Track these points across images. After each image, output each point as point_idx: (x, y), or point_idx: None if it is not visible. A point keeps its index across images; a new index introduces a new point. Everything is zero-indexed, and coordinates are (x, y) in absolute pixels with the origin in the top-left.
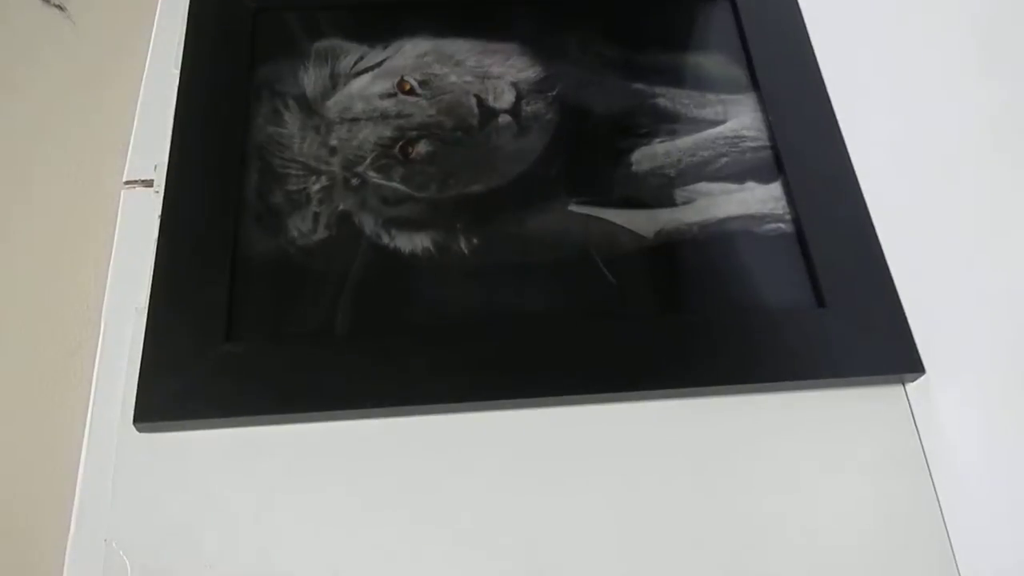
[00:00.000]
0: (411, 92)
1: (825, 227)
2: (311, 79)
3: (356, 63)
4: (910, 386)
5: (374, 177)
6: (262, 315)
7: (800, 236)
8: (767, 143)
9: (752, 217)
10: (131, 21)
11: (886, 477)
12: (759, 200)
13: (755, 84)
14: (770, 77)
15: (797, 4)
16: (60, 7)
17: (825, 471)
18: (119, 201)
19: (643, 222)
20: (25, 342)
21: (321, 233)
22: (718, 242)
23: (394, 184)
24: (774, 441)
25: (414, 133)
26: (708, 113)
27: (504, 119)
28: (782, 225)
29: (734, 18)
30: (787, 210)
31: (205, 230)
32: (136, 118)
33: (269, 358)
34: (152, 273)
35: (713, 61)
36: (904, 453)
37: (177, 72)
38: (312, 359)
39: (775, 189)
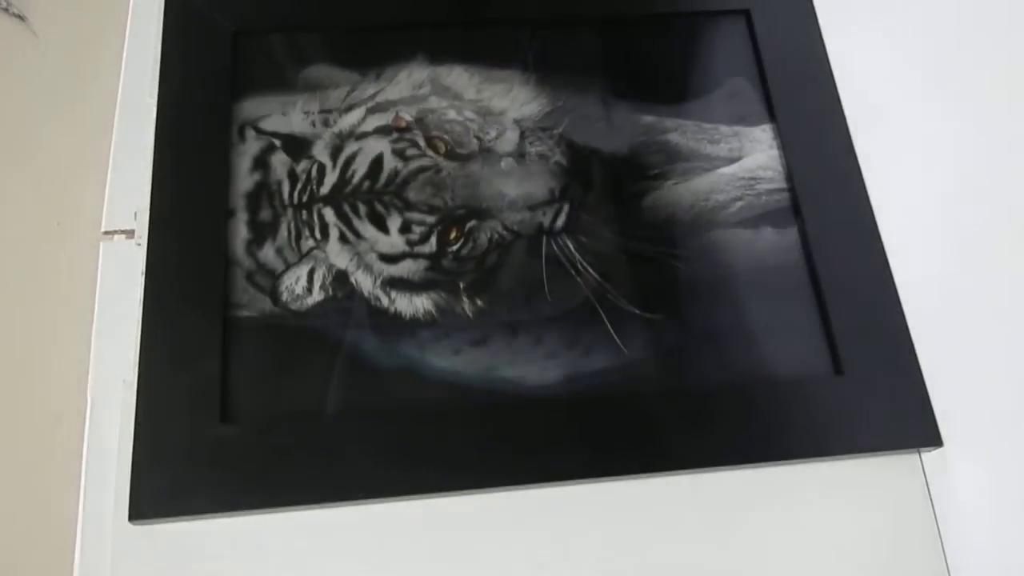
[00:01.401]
0: (407, 129)
1: (844, 284)
2: (299, 116)
3: (348, 95)
4: (926, 455)
5: (370, 229)
6: (257, 392)
7: (818, 293)
8: (784, 184)
9: (767, 270)
10: (99, 35)
11: (899, 548)
12: (775, 250)
13: (771, 114)
14: (788, 105)
15: (816, 20)
16: (20, 16)
17: (838, 541)
18: (98, 254)
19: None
20: (4, 411)
21: (316, 295)
22: (731, 303)
23: (392, 238)
24: (786, 512)
25: (411, 176)
26: (722, 149)
27: (507, 163)
28: (798, 279)
29: (750, 37)
30: (803, 261)
31: (193, 292)
32: (111, 156)
33: (265, 443)
34: (139, 342)
35: (728, 87)
36: (918, 524)
37: (152, 102)
38: (308, 444)
39: (791, 236)
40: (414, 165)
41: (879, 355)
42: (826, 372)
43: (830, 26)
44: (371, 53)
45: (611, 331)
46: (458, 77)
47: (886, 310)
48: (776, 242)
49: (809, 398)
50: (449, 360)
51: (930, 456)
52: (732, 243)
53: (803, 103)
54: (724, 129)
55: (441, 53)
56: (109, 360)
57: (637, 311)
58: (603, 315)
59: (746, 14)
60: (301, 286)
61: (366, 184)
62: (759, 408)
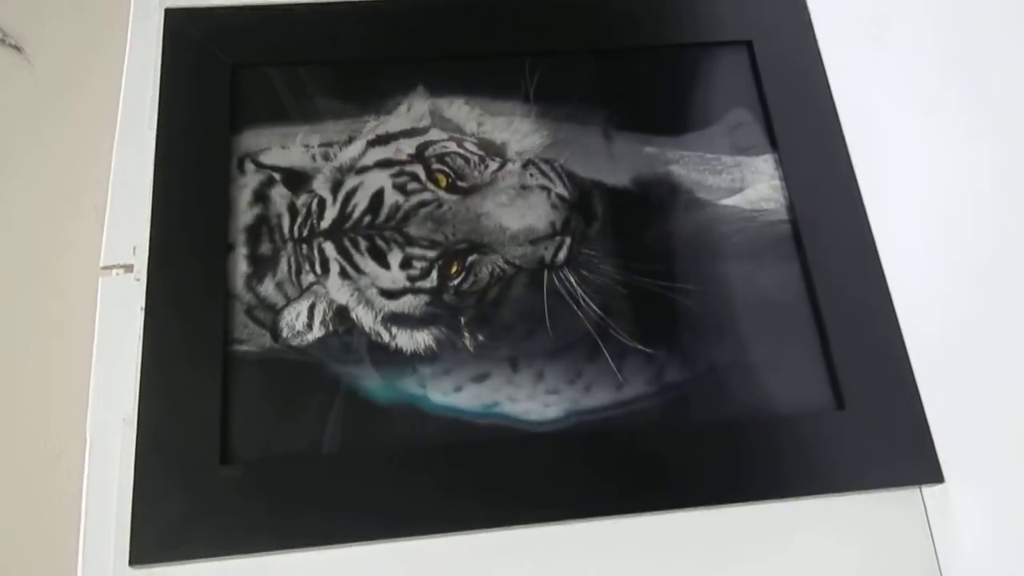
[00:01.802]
0: (408, 163)
1: (846, 317)
2: (299, 149)
3: (348, 128)
4: (927, 490)
5: (371, 264)
6: (257, 431)
7: (820, 326)
8: (785, 216)
9: (769, 303)
10: (96, 67)
11: None
12: (777, 283)
13: (773, 144)
14: (789, 135)
15: (818, 50)
16: (16, 47)
17: None
18: (97, 288)
19: None
20: (3, 450)
21: (317, 331)
22: (733, 336)
23: (393, 273)
24: (786, 548)
25: (412, 210)
26: (724, 180)
27: (508, 196)
28: (801, 312)
29: (751, 68)
30: (806, 294)
31: (193, 329)
32: (109, 190)
33: (266, 485)
34: (139, 380)
35: (730, 118)
36: (919, 561)
37: (151, 134)
38: (310, 485)
39: (793, 268)
40: (415, 200)
41: (881, 390)
42: (828, 407)
43: (832, 56)
44: (371, 86)
45: (612, 366)
46: (458, 109)
47: (888, 344)
48: (778, 275)
49: (810, 433)
50: (450, 397)
51: (931, 492)
52: (734, 276)
53: (805, 133)
54: (726, 159)
55: (441, 85)
56: (108, 397)
57: (639, 345)
58: (604, 349)
59: (748, 45)
60: (301, 322)
61: (367, 219)
62: (760, 444)
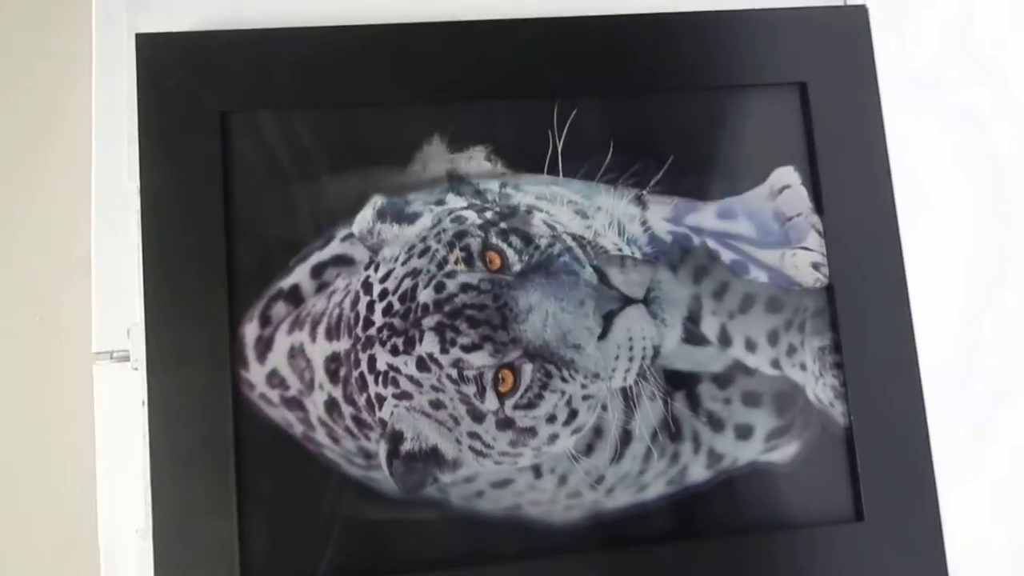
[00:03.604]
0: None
1: (877, 427)
2: (304, 218)
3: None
4: None
5: (387, 357)
6: (282, 550)
7: (849, 436)
8: (824, 303)
9: (807, 409)
10: (63, 107)
11: None
12: (810, 376)
13: (819, 207)
14: (836, 201)
15: (878, 99)
16: None
17: None
18: (91, 379)
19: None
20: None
21: (340, 430)
22: (760, 434)
23: (410, 372)
24: None
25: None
26: (759, 262)
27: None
28: (833, 420)
29: (802, 112)
30: (838, 391)
31: (202, 452)
32: (92, 259)
33: None
34: (150, 496)
35: (775, 178)
36: None
37: (132, 187)
38: None
39: (827, 361)
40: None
41: (902, 502)
42: (847, 517)
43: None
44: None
45: (635, 469)
46: (479, 164)
47: (915, 456)
48: (812, 372)
49: (827, 547)
50: (471, 502)
51: None
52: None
53: (854, 201)
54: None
55: (459, 137)
56: (117, 506)
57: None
58: (627, 450)
59: (801, 87)
60: (320, 433)
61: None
62: (775, 555)
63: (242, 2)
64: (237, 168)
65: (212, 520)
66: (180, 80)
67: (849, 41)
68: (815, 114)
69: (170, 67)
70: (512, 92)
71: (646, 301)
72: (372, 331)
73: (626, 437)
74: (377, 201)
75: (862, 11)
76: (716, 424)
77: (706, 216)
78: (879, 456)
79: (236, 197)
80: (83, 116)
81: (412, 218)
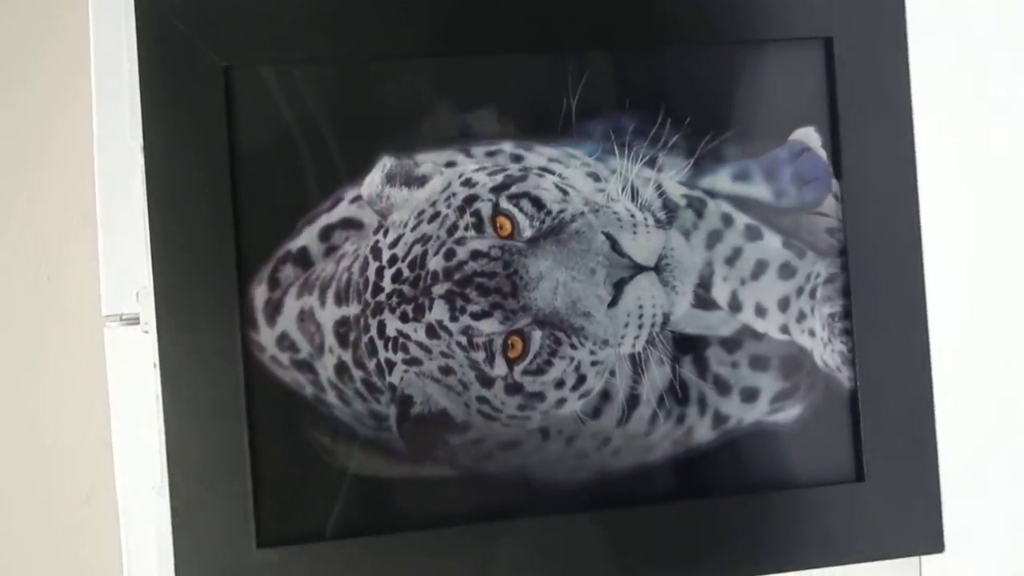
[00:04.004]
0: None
1: (882, 392)
2: (311, 181)
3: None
4: (926, 559)
5: (396, 324)
6: (293, 507)
7: (854, 400)
8: (838, 268)
9: (813, 373)
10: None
11: None
12: (819, 343)
13: (838, 172)
14: (856, 164)
15: (907, 60)
16: None
17: None
18: (103, 342)
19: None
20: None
21: (351, 393)
22: (766, 395)
23: (420, 338)
24: None
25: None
26: (775, 225)
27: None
28: (839, 384)
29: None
30: (846, 357)
31: (212, 410)
32: (98, 222)
33: (308, 568)
34: (166, 457)
35: (794, 141)
36: None
37: (134, 145)
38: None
39: (835, 328)
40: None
41: (902, 464)
42: (848, 477)
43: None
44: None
45: (641, 431)
46: (490, 125)
47: (919, 415)
48: (820, 339)
49: (827, 508)
50: (479, 463)
51: (929, 559)
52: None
53: (875, 165)
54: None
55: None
56: (135, 464)
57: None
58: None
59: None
60: (334, 387)
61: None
62: (776, 515)
63: None
64: (242, 126)
65: (226, 479)
66: (181, 34)
67: None
68: (839, 72)
69: (170, 20)
70: (524, 45)
71: (657, 269)
72: (381, 297)
73: (633, 401)
74: (386, 163)
75: None
76: (723, 387)
77: (721, 178)
78: (882, 420)
79: (241, 157)
80: (84, 72)
81: (422, 181)
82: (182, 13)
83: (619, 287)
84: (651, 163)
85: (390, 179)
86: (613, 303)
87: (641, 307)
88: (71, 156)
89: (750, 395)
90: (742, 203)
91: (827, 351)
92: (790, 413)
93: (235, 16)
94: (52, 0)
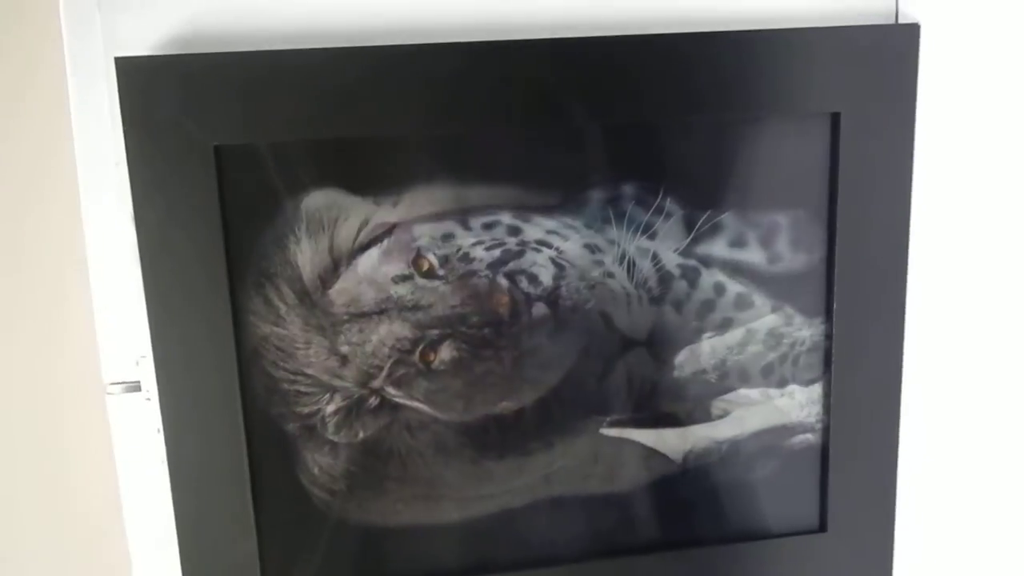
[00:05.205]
0: (430, 272)
1: (852, 444)
2: (305, 256)
3: (360, 230)
4: None
5: (394, 395)
6: (296, 564)
7: (824, 451)
8: (822, 335)
9: (784, 428)
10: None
11: None
12: (796, 405)
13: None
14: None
15: (912, 137)
16: None
17: None
18: (105, 412)
19: (674, 443)
20: None
21: (341, 469)
22: (741, 461)
23: (416, 404)
24: None
25: (435, 333)
26: (766, 291)
27: (539, 309)
28: (810, 436)
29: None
30: (821, 418)
31: (216, 473)
32: (91, 286)
33: None
34: (176, 529)
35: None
36: None
37: (124, 216)
38: None
39: (815, 392)
40: (436, 314)
41: (863, 514)
42: (810, 527)
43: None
44: (383, 172)
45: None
46: (487, 196)
47: (882, 468)
48: (799, 398)
49: (788, 557)
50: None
51: None
52: (755, 401)
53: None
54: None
55: (465, 169)
56: (144, 515)
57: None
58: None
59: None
60: (327, 459)
61: (387, 343)
62: (744, 565)
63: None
64: (233, 204)
65: (233, 544)
66: (168, 112)
67: (893, 65)
68: (843, 149)
69: (156, 97)
70: (520, 119)
71: (648, 343)
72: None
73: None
74: (384, 243)
75: (913, 30)
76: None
77: (718, 245)
78: (849, 473)
79: (233, 233)
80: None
81: (419, 255)
82: (168, 87)
83: (610, 362)
84: (649, 233)
85: (386, 255)
86: (603, 377)
87: (630, 381)
88: (63, 225)
89: (730, 452)
90: (735, 269)
91: (803, 412)
92: (764, 469)
93: (222, 91)
94: (30, 66)
